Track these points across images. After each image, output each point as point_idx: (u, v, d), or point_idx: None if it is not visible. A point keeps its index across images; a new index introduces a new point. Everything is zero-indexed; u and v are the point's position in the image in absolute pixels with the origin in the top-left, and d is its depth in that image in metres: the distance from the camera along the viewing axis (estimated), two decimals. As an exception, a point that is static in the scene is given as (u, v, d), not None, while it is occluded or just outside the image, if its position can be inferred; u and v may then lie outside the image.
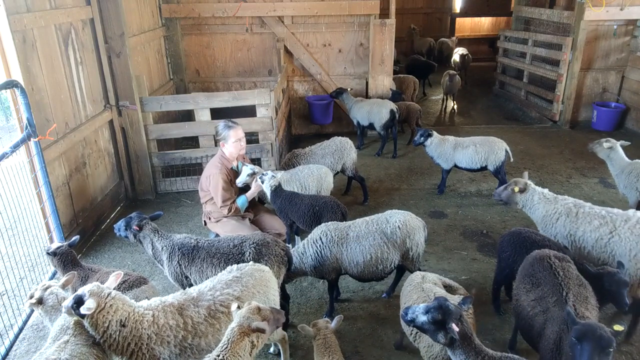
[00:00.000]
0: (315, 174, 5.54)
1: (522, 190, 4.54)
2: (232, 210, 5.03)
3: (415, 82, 10.57)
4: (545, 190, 4.55)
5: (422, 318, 2.70)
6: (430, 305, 2.71)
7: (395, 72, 9.90)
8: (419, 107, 8.92)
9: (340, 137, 6.43)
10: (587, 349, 2.46)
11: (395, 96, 8.97)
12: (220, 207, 5.04)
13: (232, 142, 5.03)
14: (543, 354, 2.98)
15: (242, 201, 5.12)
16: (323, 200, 4.83)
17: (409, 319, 2.77)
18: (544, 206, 4.42)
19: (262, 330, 2.66)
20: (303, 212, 4.80)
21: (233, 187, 5.10)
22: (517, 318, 3.40)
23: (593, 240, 4.07)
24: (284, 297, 4.03)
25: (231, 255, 3.75)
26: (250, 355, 2.72)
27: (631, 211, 4.12)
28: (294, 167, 6.09)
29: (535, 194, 4.50)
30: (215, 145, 6.52)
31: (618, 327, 2.64)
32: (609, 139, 5.57)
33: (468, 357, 2.64)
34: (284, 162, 6.32)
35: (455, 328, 2.57)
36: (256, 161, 6.68)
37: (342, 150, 6.24)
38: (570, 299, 3.00)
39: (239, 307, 2.77)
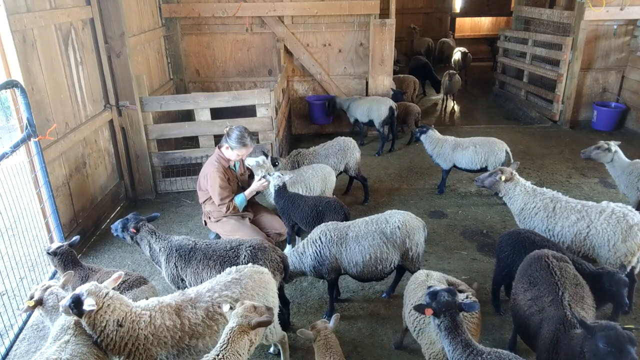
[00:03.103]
0: (319, 174, 5.56)
1: (507, 179, 4.66)
2: (231, 209, 5.03)
3: (415, 82, 10.60)
4: (528, 183, 4.64)
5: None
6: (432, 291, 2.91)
7: (395, 72, 9.91)
8: (419, 110, 8.88)
9: (343, 137, 6.44)
10: (629, 352, 2.44)
11: (398, 96, 9.01)
12: (219, 205, 5.04)
13: (235, 155, 5.01)
14: (539, 354, 2.98)
15: (240, 199, 5.11)
16: (326, 201, 4.83)
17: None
18: (523, 198, 4.58)
19: (266, 324, 2.69)
20: (306, 214, 4.79)
21: (230, 185, 5.10)
22: (514, 317, 3.42)
23: (572, 235, 4.22)
24: (283, 303, 4.02)
25: (227, 257, 3.75)
26: (248, 352, 2.74)
27: (604, 203, 4.27)
28: (298, 165, 6.14)
29: (518, 184, 4.65)
30: (215, 145, 6.51)
31: (629, 326, 2.65)
32: (608, 142, 5.53)
33: (456, 349, 2.72)
34: (288, 159, 6.32)
35: (428, 313, 2.80)
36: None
37: (345, 150, 6.24)
38: (566, 299, 3.00)
39: (231, 308, 2.78)
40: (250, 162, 5.07)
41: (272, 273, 3.63)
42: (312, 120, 9.19)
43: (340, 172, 6.32)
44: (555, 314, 2.95)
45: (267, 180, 4.95)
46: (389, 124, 8.33)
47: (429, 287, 3.00)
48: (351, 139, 6.44)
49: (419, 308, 2.85)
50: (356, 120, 8.58)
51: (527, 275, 3.35)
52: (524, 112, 11.05)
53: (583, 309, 2.99)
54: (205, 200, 5.24)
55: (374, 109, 8.20)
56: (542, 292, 3.15)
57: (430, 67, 12.54)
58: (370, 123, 8.37)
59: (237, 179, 5.29)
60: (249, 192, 5.15)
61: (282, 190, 4.93)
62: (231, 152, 5.02)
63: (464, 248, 5.39)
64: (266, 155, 5.68)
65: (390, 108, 8.13)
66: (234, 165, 5.27)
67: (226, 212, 5.03)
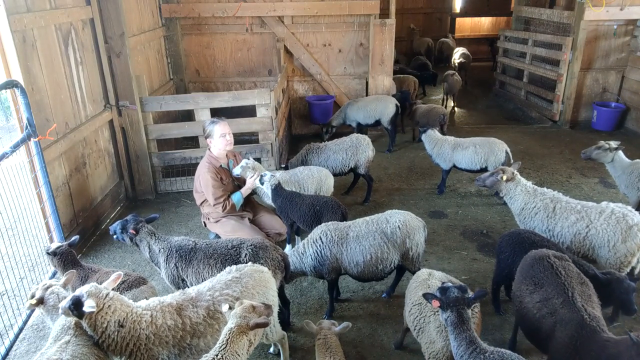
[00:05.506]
0: (315, 176, 5.54)
1: (509, 179, 4.67)
2: (228, 207, 5.01)
3: (415, 81, 10.60)
4: (529, 183, 4.65)
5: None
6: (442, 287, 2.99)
7: (395, 72, 9.90)
8: (444, 112, 8.53)
9: (357, 134, 6.47)
10: None
11: (405, 95, 9.03)
12: (214, 205, 5.02)
13: (218, 136, 5.04)
14: (555, 356, 2.96)
15: (237, 197, 5.11)
16: (324, 200, 4.83)
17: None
18: (524, 198, 4.58)
19: (265, 325, 2.69)
20: (303, 212, 4.80)
21: (224, 184, 5.09)
22: (522, 320, 3.36)
23: (571, 235, 4.22)
24: (284, 302, 4.03)
25: (228, 256, 3.75)
26: (247, 353, 2.74)
27: (604, 203, 4.27)
28: (306, 160, 6.19)
29: (519, 184, 4.65)
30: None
31: None
32: (608, 142, 5.53)
33: (460, 344, 2.75)
34: (299, 156, 6.33)
35: (435, 304, 2.89)
36: (256, 161, 6.67)
37: (357, 147, 6.25)
38: (578, 300, 2.98)
39: (230, 308, 2.77)
40: (236, 171, 5.09)
41: (273, 272, 3.64)
42: (312, 121, 9.19)
43: (349, 170, 6.33)
44: (571, 316, 2.91)
45: (260, 182, 4.96)
46: (394, 122, 8.37)
47: (443, 283, 3.07)
48: (365, 136, 6.45)
49: (428, 297, 2.93)
50: (358, 124, 8.48)
51: (531, 277, 3.31)
52: (524, 112, 11.05)
53: (593, 308, 2.97)
54: (203, 202, 5.24)
55: (381, 109, 8.21)
56: (550, 294, 3.11)
57: (428, 67, 12.63)
58: (376, 123, 8.38)
59: (231, 177, 5.25)
60: (245, 190, 5.16)
61: (279, 188, 4.94)
62: (213, 139, 5.04)
63: (464, 248, 5.39)
64: (284, 168, 5.79)
65: (396, 105, 8.24)
66: (227, 164, 5.26)
67: (223, 211, 5.02)
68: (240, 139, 6.98)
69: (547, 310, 3.08)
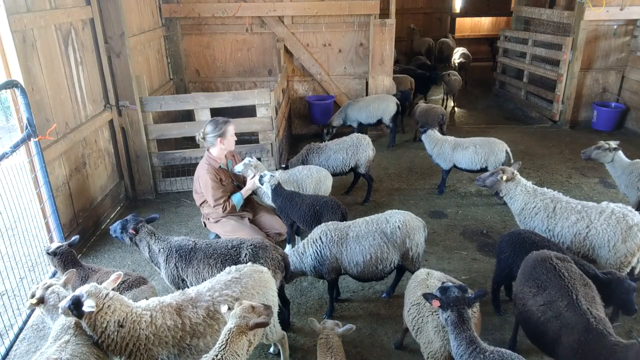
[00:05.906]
0: (314, 176, 5.53)
1: (508, 179, 4.67)
2: (228, 209, 5.01)
3: (412, 81, 10.58)
4: (529, 183, 4.65)
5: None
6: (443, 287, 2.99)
7: (395, 72, 9.90)
8: (442, 112, 8.49)
9: (358, 134, 6.48)
10: None
11: (405, 95, 9.05)
12: (214, 206, 5.01)
13: (230, 135, 5.04)
14: None
15: (237, 198, 5.10)
16: (323, 200, 4.83)
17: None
18: (524, 198, 4.58)
19: (264, 325, 2.69)
20: (303, 212, 4.80)
21: (224, 185, 5.08)
22: (525, 323, 3.32)
23: (572, 235, 4.21)
24: (284, 302, 4.03)
25: (228, 256, 3.75)
26: (246, 353, 2.74)
27: (604, 203, 4.27)
28: (306, 160, 6.20)
29: (519, 184, 4.65)
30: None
31: None
32: (608, 142, 5.53)
33: (460, 344, 2.76)
34: (299, 156, 6.33)
35: (435, 304, 2.91)
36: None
37: (357, 146, 6.25)
38: (583, 303, 2.95)
39: (229, 309, 2.77)
40: (238, 168, 5.09)
41: (273, 272, 3.64)
42: (312, 121, 9.19)
43: (349, 170, 6.33)
44: (576, 320, 2.89)
45: (259, 182, 4.95)
46: (396, 119, 8.41)
47: (443, 283, 3.08)
48: (366, 136, 6.46)
49: (428, 297, 2.93)
50: (360, 124, 8.48)
51: (534, 279, 3.28)
52: (524, 112, 11.05)
53: (598, 310, 2.96)
54: (202, 202, 5.23)
55: (383, 108, 8.27)
56: (554, 297, 3.08)
57: (427, 67, 12.60)
58: (378, 122, 8.44)
59: (231, 178, 5.25)
60: (245, 191, 5.16)
61: (278, 188, 4.94)
62: (226, 138, 4.99)
63: (464, 248, 5.39)
64: (284, 168, 5.78)
65: (396, 103, 8.33)
66: (226, 165, 5.25)
67: (223, 212, 5.01)
68: (241, 139, 6.96)
69: (551, 313, 3.05)
